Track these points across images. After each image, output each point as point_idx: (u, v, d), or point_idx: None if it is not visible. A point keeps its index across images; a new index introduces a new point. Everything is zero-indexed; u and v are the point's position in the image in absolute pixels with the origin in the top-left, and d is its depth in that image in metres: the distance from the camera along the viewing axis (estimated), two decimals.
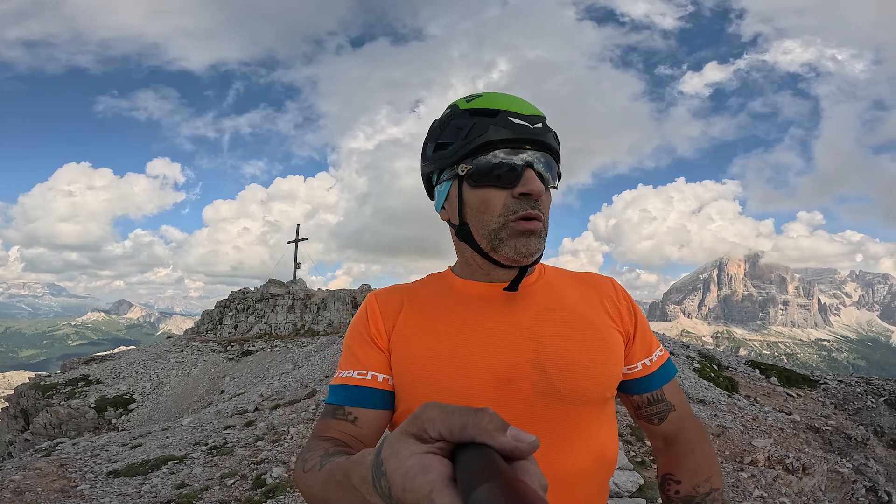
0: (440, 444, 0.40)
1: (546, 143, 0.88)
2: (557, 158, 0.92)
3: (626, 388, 0.99)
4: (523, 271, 0.91)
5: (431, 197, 1.01)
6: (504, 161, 0.86)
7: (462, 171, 0.88)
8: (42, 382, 17.45)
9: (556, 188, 0.94)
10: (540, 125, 0.88)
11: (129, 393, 16.21)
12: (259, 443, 6.98)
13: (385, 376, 0.91)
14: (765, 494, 4.71)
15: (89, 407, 14.95)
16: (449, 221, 0.96)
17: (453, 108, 0.93)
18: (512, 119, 0.86)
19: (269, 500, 4.73)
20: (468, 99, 0.93)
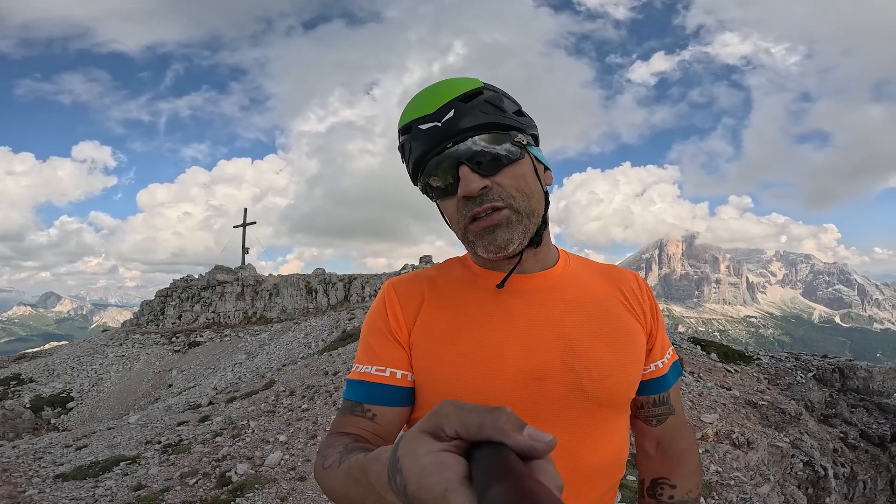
0: (456, 443, 0.41)
1: (464, 128, 0.80)
2: (503, 127, 0.83)
3: (638, 388, 0.96)
4: (516, 263, 0.89)
5: None
6: (436, 172, 0.83)
7: (423, 192, 0.90)
8: None
9: (518, 159, 0.84)
10: (451, 113, 0.80)
11: (65, 391, 15.25)
12: (218, 438, 6.76)
13: (404, 373, 0.88)
14: (720, 469, 5.04)
15: (24, 407, 13.96)
16: None
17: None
18: (420, 127, 0.82)
19: (237, 499, 4.61)
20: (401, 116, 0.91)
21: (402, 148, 0.89)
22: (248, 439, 6.56)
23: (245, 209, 25.71)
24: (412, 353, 0.90)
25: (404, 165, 0.92)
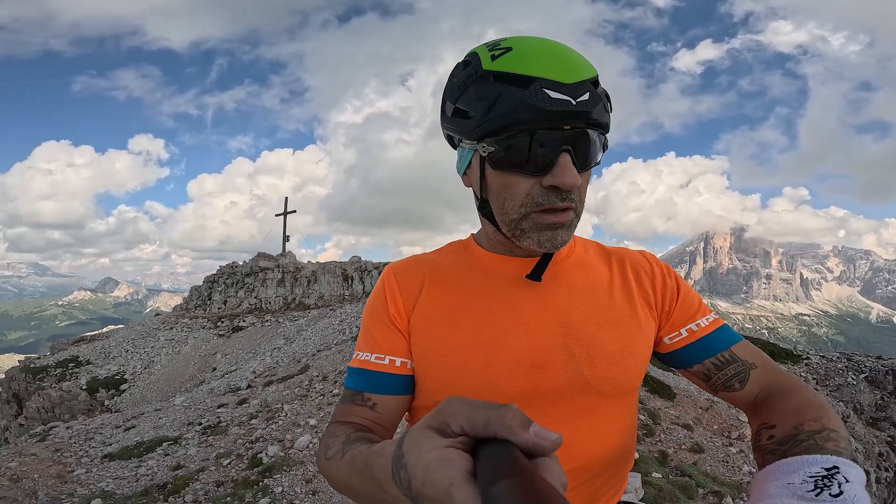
0: (462, 439, 0.40)
1: (592, 119, 0.72)
2: (607, 129, 0.77)
3: (679, 359, 0.90)
4: (548, 257, 0.84)
5: (453, 146, 0.87)
6: (533, 147, 0.72)
7: (483, 152, 0.75)
8: (32, 365, 17.32)
9: (598, 163, 0.79)
10: (586, 96, 0.71)
11: (119, 373, 16.15)
12: (253, 421, 7.02)
13: (404, 360, 0.86)
14: (753, 470, 4.84)
15: (81, 389, 14.89)
16: (473, 189, 0.86)
17: (475, 63, 0.76)
18: (548, 92, 0.69)
19: (265, 480, 4.77)
20: (493, 53, 0.74)
21: (489, 93, 0.73)
22: (280, 422, 6.77)
23: (286, 198, 26.37)
24: (411, 338, 0.87)
25: (455, 104, 0.78)
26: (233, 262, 24.21)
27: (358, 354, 0.90)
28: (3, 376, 17.54)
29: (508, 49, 0.74)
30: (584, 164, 0.75)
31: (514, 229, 0.79)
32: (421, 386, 0.86)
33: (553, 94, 0.69)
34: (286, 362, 12.03)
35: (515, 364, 0.81)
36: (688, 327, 0.89)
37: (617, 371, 0.82)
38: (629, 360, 0.84)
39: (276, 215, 26.04)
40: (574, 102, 0.70)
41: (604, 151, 0.78)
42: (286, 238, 25.00)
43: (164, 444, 6.33)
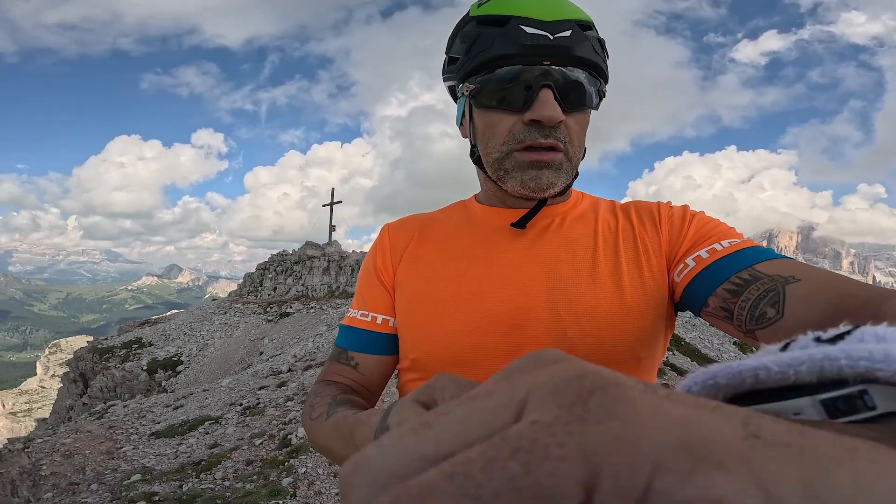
0: None
1: (575, 56, 0.70)
2: (599, 72, 0.74)
3: (690, 299, 0.72)
4: (540, 204, 0.80)
5: (455, 98, 0.88)
6: (510, 81, 0.71)
7: (466, 92, 0.76)
8: (99, 346, 18.75)
9: (594, 108, 0.77)
10: (567, 33, 0.70)
11: (177, 355, 17.21)
12: (289, 403, 7.35)
13: (385, 318, 0.85)
14: None
15: (141, 369, 15.97)
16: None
17: (466, 13, 0.80)
18: (524, 28, 0.70)
19: (291, 460, 5.01)
20: (480, 2, 0.77)
21: (470, 35, 0.75)
22: None
23: (332, 189, 27.03)
24: (395, 294, 0.85)
25: (449, 54, 0.81)
26: (283, 251, 25.12)
27: (349, 312, 0.89)
28: (73, 357, 19.08)
29: None
30: (572, 104, 0.72)
31: (498, 170, 0.76)
32: (401, 346, 0.84)
33: (529, 30, 0.69)
34: (326, 348, 12.45)
35: (493, 322, 0.75)
36: (696, 255, 0.73)
37: (610, 335, 0.73)
38: (627, 323, 0.73)
39: (324, 206, 26.78)
40: (552, 38, 0.69)
41: (600, 99, 0.76)
42: (332, 228, 25.71)
43: (206, 423, 6.75)
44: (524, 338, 0.73)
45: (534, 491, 0.13)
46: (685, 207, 0.83)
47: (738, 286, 0.64)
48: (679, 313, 0.79)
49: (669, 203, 0.84)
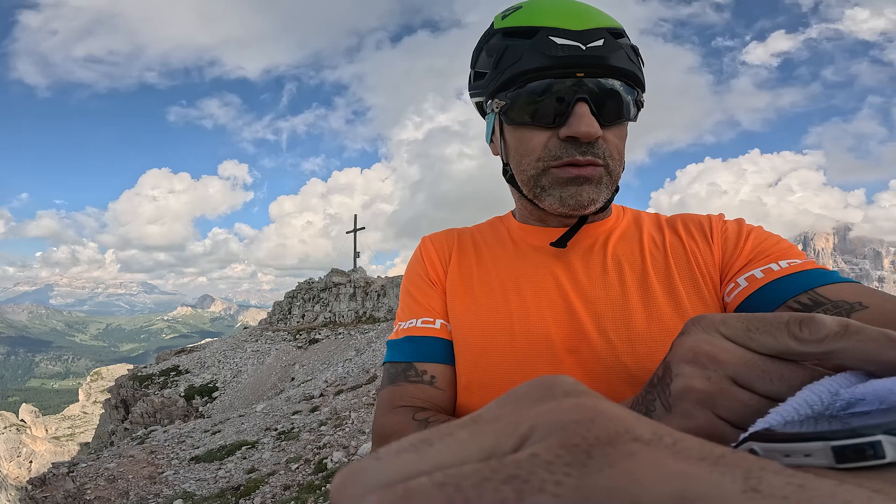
0: None
1: (610, 66, 0.66)
2: (635, 81, 0.70)
3: (755, 302, 0.67)
4: (581, 221, 0.76)
5: (483, 115, 0.85)
6: (544, 95, 0.67)
7: (496, 108, 0.72)
8: (139, 374, 19.29)
9: (632, 120, 0.72)
10: (600, 42, 0.66)
11: (212, 381, 17.57)
12: (322, 427, 7.43)
13: (446, 323, 0.78)
14: None
15: (179, 396, 16.37)
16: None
17: (490, 26, 0.76)
18: (554, 39, 0.66)
19: (328, 485, 5.06)
20: (505, 13, 0.74)
21: (496, 48, 0.71)
22: (347, 429, 7.12)
23: (355, 216, 27.65)
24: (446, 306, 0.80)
25: (475, 69, 0.77)
26: (309, 279, 25.62)
27: (399, 325, 0.81)
28: (114, 384, 19.66)
29: (518, 7, 0.72)
30: (609, 116, 0.68)
31: (534, 188, 0.72)
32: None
33: (559, 41, 0.66)
34: (356, 372, 12.55)
35: (545, 349, 0.71)
36: (749, 274, 0.68)
37: (661, 357, 0.67)
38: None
39: (347, 232, 27.39)
40: (584, 48, 0.65)
41: (638, 109, 0.72)
42: (356, 254, 26.18)
43: (243, 447, 6.87)
44: (576, 363, 0.69)
45: None
46: (740, 221, 0.77)
47: (797, 311, 0.58)
48: None
49: (722, 216, 0.79)
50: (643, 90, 0.72)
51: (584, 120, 0.65)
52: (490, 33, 0.75)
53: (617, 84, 0.68)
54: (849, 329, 0.25)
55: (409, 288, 0.84)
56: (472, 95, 0.81)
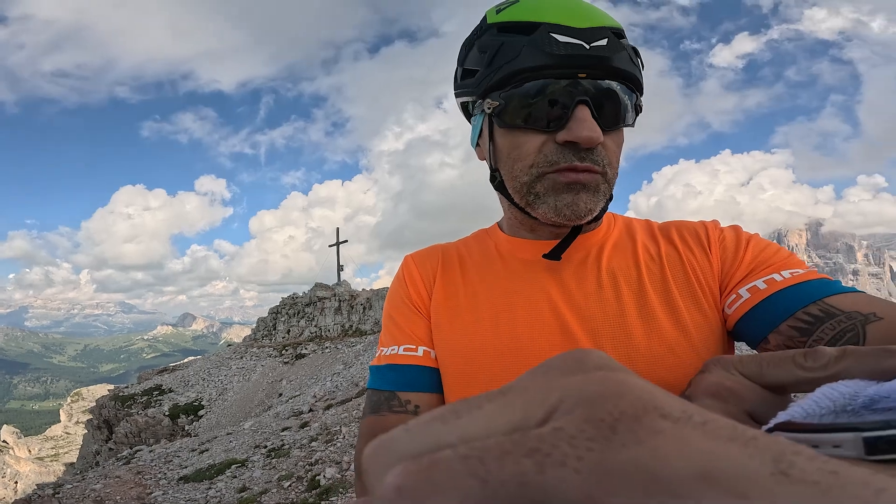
0: None
1: (613, 68, 0.62)
2: (636, 84, 0.66)
3: (747, 332, 0.65)
4: (575, 232, 0.71)
5: (468, 117, 0.79)
6: (542, 96, 0.63)
7: (488, 109, 0.67)
8: (120, 394, 18.84)
9: (630, 125, 0.68)
10: (603, 42, 0.62)
11: (197, 400, 17.24)
12: (313, 443, 7.35)
13: (429, 350, 0.75)
14: None
15: (164, 415, 16.02)
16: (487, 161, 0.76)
17: (481, 21, 0.71)
18: (556, 36, 0.61)
19: (323, 502, 5.01)
20: (499, 7, 0.69)
21: (491, 44, 0.66)
22: (339, 444, 7.05)
23: (337, 229, 27.59)
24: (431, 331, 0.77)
25: (464, 66, 0.72)
26: (293, 294, 25.39)
27: (381, 351, 0.78)
28: (95, 404, 19.17)
29: (516, 1, 0.67)
30: (609, 120, 0.64)
31: (527, 195, 0.67)
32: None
33: (562, 38, 0.61)
34: (345, 386, 12.44)
35: (534, 364, 0.65)
36: (751, 285, 0.65)
37: (666, 372, 0.65)
38: (683, 357, 0.65)
39: (330, 246, 27.25)
40: (588, 47, 0.61)
41: (637, 114, 0.68)
42: (340, 268, 26.07)
43: (233, 466, 6.76)
44: None
45: (540, 492, 0.13)
46: (737, 229, 0.74)
47: (808, 324, 0.58)
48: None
49: (717, 223, 0.76)
50: (642, 94, 0.69)
51: (585, 124, 0.62)
52: (482, 28, 0.69)
53: (619, 87, 0.64)
54: (846, 351, 0.27)
55: (391, 312, 0.81)
56: (457, 95, 0.76)
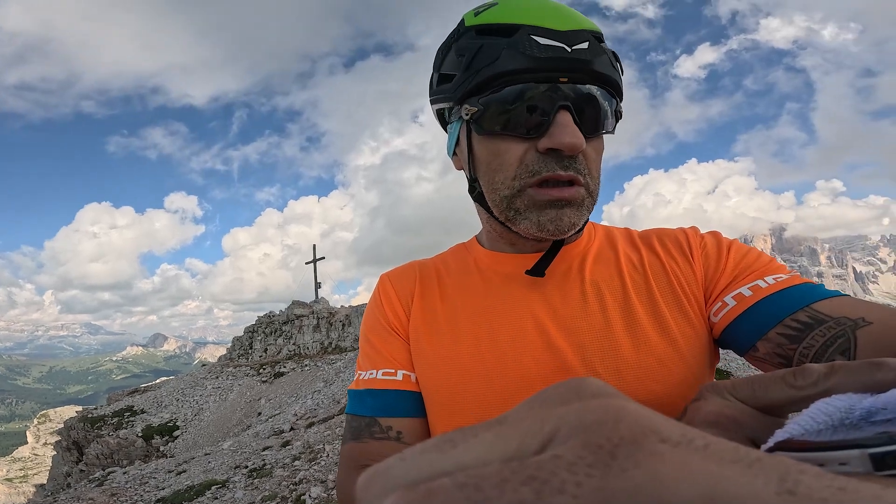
0: None
1: (595, 72, 0.61)
2: (616, 89, 0.64)
3: (733, 340, 0.64)
4: (557, 246, 0.70)
5: (445, 125, 0.76)
6: (522, 101, 0.61)
7: (466, 115, 0.65)
8: (90, 415, 18.20)
9: (611, 132, 0.66)
10: (585, 45, 0.60)
11: (172, 420, 16.77)
12: (296, 462, 7.26)
13: (409, 373, 0.73)
14: None
15: (137, 436, 15.53)
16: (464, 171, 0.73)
17: (460, 23, 0.68)
18: (537, 38, 0.60)
19: None
20: (478, 10, 0.67)
21: (469, 48, 0.64)
22: (322, 462, 6.99)
23: (314, 245, 27.31)
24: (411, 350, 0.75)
25: (440, 71, 0.69)
26: (270, 312, 25.02)
27: (359, 374, 0.75)
28: (63, 426, 18.46)
29: (494, 3, 0.66)
30: (591, 126, 0.62)
31: (508, 209, 0.65)
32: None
33: (543, 41, 0.59)
34: (326, 403, 12.31)
35: (523, 389, 0.65)
36: (736, 292, 0.64)
37: (656, 384, 0.63)
38: (672, 368, 0.64)
39: (307, 263, 26.95)
40: (569, 49, 0.59)
41: (617, 120, 0.66)
42: (318, 285, 25.80)
43: (213, 487, 6.63)
44: None
45: None
46: (717, 235, 0.73)
47: (798, 330, 0.57)
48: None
49: (696, 229, 0.75)
50: (622, 99, 0.67)
51: (567, 130, 0.60)
52: (460, 31, 0.67)
53: (601, 93, 0.62)
54: (835, 367, 0.27)
55: (368, 335, 0.78)
56: (433, 101, 0.73)
